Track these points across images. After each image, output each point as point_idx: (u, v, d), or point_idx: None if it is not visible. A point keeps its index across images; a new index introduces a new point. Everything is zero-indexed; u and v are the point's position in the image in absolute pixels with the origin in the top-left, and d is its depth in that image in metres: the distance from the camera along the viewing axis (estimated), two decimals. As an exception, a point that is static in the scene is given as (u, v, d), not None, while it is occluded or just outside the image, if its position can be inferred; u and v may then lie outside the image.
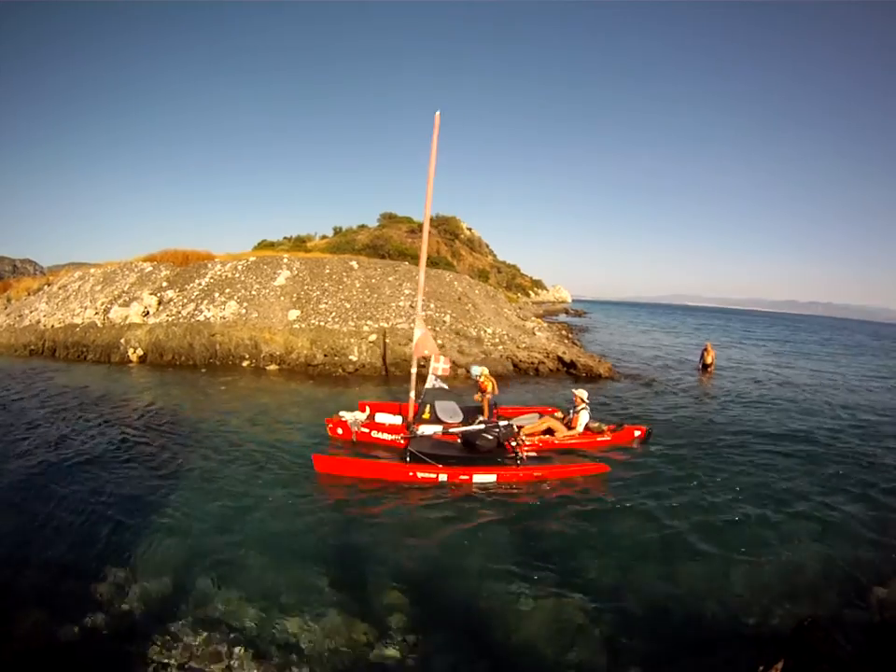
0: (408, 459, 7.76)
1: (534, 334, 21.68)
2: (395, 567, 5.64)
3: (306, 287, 21.14)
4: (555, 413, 10.05)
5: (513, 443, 8.04)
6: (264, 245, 37.31)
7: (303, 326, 19.40)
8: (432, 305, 20.49)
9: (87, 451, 9.63)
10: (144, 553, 5.93)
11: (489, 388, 9.98)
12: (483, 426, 8.29)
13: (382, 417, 9.74)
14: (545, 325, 24.98)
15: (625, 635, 4.59)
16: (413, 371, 9.20)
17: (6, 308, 29.84)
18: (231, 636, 4.52)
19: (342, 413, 9.64)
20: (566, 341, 23.27)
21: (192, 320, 20.25)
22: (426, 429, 8.72)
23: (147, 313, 21.52)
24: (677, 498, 7.43)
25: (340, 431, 9.43)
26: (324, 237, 41.53)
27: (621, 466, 8.52)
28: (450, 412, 9.70)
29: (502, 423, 8.28)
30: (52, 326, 24.67)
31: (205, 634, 4.54)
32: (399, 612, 4.82)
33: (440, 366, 9.51)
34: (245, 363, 18.83)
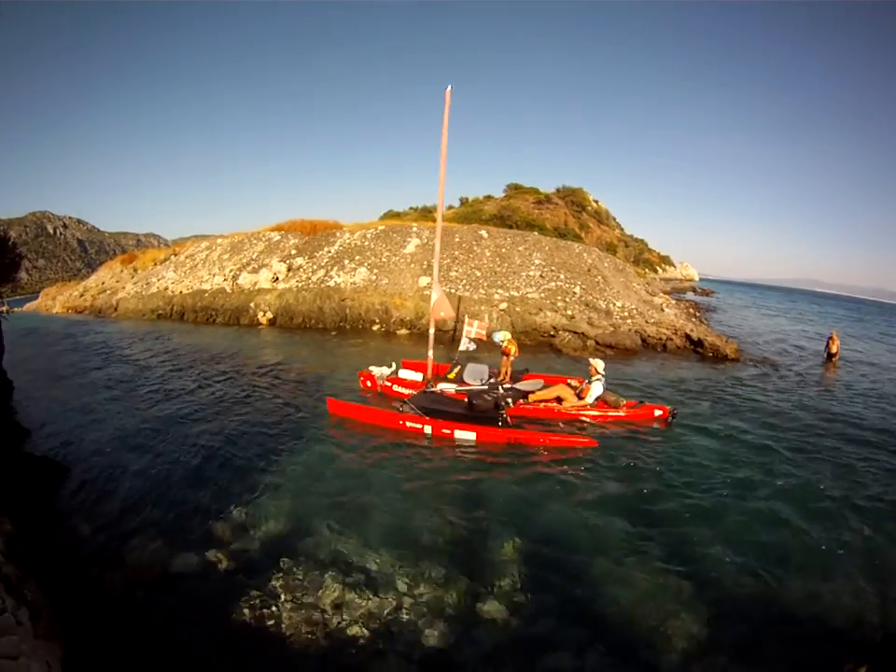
0: (401, 409, 8.29)
1: (662, 310, 21.35)
2: (508, 528, 5.61)
3: (436, 255, 21.75)
4: (570, 382, 9.60)
5: (501, 405, 8.00)
6: (391, 216, 38.43)
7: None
8: (562, 276, 20.56)
9: (218, 399, 10.38)
10: (265, 498, 6.21)
11: (512, 351, 9.95)
12: (486, 387, 8.60)
13: (405, 374, 10.22)
14: (673, 302, 24.64)
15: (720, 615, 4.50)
16: (431, 331, 9.61)
17: (132, 277, 32.33)
18: (345, 577, 4.70)
19: (371, 368, 10.43)
20: (693, 319, 22.78)
21: (322, 285, 21.16)
22: (444, 387, 9.18)
23: (277, 279, 22.70)
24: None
25: (368, 384, 10.32)
26: (451, 207, 41.82)
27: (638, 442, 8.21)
28: (477, 373, 9.94)
29: (506, 386, 8.63)
30: (181, 292, 26.44)
31: (317, 572, 4.75)
32: (508, 573, 4.84)
33: (473, 329, 10.12)
34: (375, 327, 19.39)
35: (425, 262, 21.23)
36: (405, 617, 4.28)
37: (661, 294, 25.33)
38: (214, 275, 25.33)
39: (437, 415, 8.05)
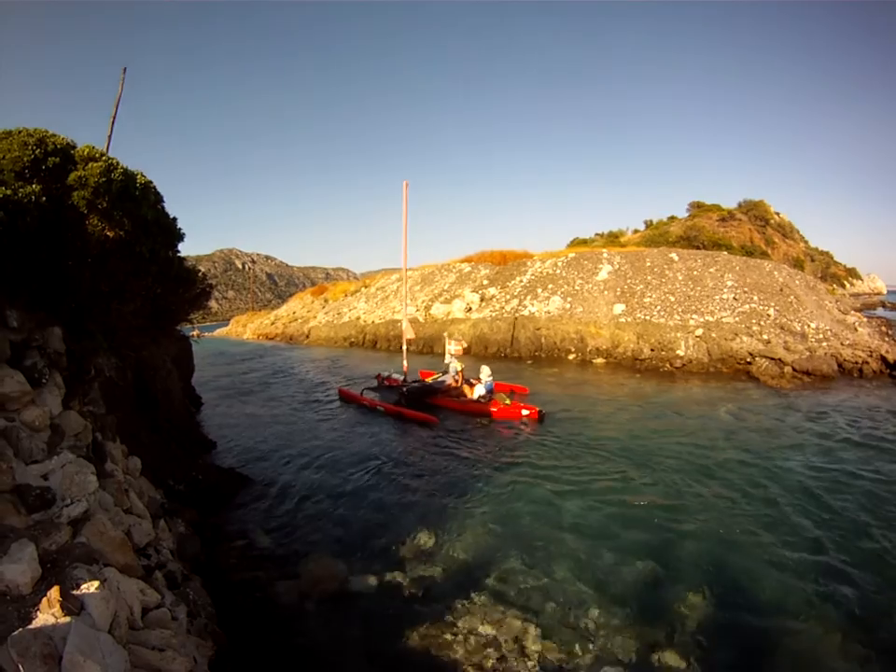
0: (376, 398, 13.13)
1: (856, 330, 20.02)
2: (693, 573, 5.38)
3: (629, 281, 22.43)
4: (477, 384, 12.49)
5: (404, 390, 12.71)
6: (578, 243, 40.74)
7: (629, 319, 20.52)
8: (755, 297, 20.09)
9: (406, 425, 11.29)
10: (451, 525, 6.31)
11: (460, 372, 13.17)
12: (417, 384, 13.36)
13: (397, 375, 14.43)
14: (865, 320, 22.94)
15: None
16: (404, 347, 14.37)
17: (323, 307, 37.62)
18: (527, 615, 4.66)
19: (382, 372, 15.45)
20: (886, 338, 21.03)
21: (517, 314, 23.01)
22: (413, 385, 13.26)
23: (470, 308, 25.14)
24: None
25: (385, 381, 14.75)
26: (636, 231, 43.55)
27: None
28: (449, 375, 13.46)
29: (416, 383, 13.47)
30: (373, 321, 30.25)
31: (502, 608, 4.74)
32: (693, 620, 4.65)
33: (451, 348, 13.82)
34: (570, 356, 20.53)
35: (618, 289, 22.12)
36: (581, 662, 4.23)
37: (853, 312, 23.49)
38: (406, 306, 28.66)
39: (387, 401, 12.59)
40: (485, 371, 12.48)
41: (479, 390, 12.27)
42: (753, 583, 5.15)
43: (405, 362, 14.21)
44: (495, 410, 11.66)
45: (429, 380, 14.07)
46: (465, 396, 12.61)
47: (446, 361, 13.82)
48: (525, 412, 11.29)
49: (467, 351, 23.26)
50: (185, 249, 6.15)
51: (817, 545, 5.84)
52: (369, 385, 14.65)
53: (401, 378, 14.06)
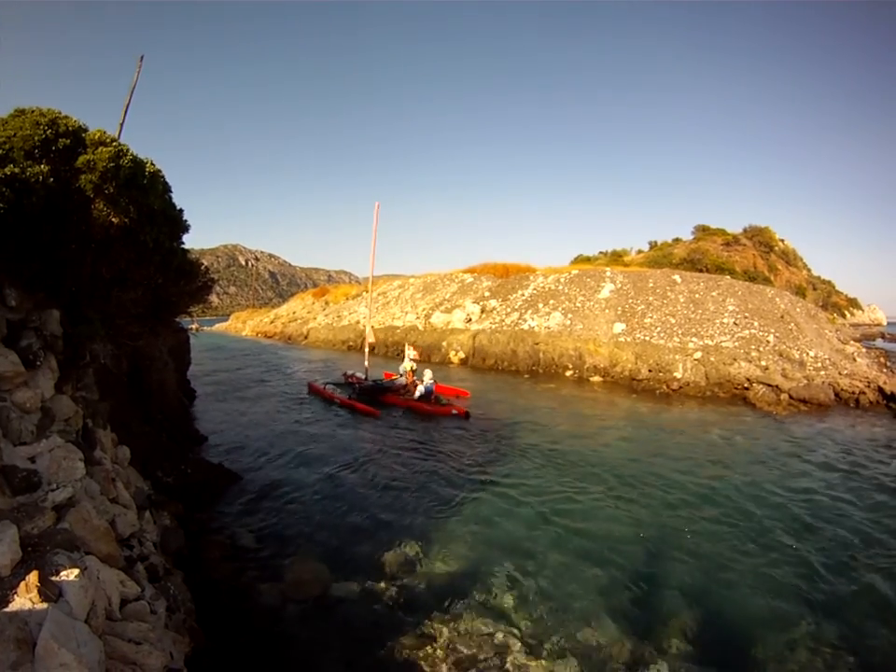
0: (336, 391, 14.87)
1: (854, 360, 20.14)
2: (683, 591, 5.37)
3: (630, 301, 22.54)
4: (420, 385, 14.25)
5: (356, 386, 14.74)
6: (581, 260, 41.15)
7: (629, 339, 20.57)
8: (756, 323, 20.18)
9: (400, 431, 11.40)
10: (439, 536, 6.25)
11: (411, 373, 14.99)
12: (370, 383, 15.06)
13: (360, 374, 16.01)
14: (863, 350, 23.18)
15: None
16: (367, 350, 16.38)
17: (324, 309, 37.73)
18: (511, 630, 4.61)
19: (348, 371, 16.92)
20: (884, 370, 21.22)
21: (516, 328, 23.06)
22: (367, 383, 15.01)
23: (470, 319, 25.17)
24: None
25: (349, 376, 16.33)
26: (640, 251, 43.99)
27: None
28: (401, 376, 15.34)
29: (371, 382, 15.15)
30: (372, 326, 30.49)
31: (481, 620, 4.69)
32: (677, 638, 4.64)
33: (410, 353, 15.79)
34: (568, 372, 20.55)
35: (619, 308, 22.20)
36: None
37: (852, 342, 23.74)
38: (406, 313, 28.69)
39: (349, 397, 14.14)
40: (427, 374, 14.24)
41: (420, 390, 14.04)
42: (734, 606, 5.18)
43: (366, 363, 16.13)
44: (429, 407, 13.43)
45: (388, 381, 15.61)
46: (411, 395, 14.33)
47: (403, 364, 15.42)
48: (454, 411, 13.00)
49: (464, 362, 23.44)
50: (189, 241, 6.15)
51: (796, 571, 5.84)
52: (336, 381, 16.14)
53: (363, 377, 15.74)
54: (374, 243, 16.40)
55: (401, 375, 15.36)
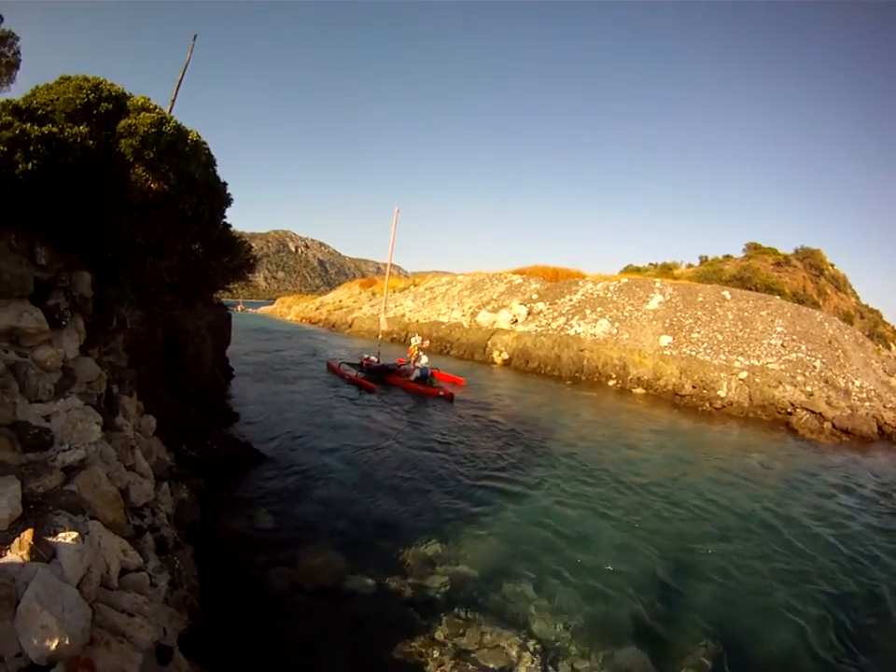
0: (349, 370, 16.69)
1: None
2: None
3: (678, 314, 21.87)
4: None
5: (363, 366, 16.72)
6: (631, 270, 40.50)
7: (674, 353, 19.93)
8: (803, 346, 19.32)
9: (433, 426, 11.16)
10: (461, 537, 6.09)
11: (414, 353, 16.46)
12: (377, 365, 16.61)
13: (374, 358, 17.15)
14: None
15: None
16: (379, 337, 19.02)
17: (370, 300, 38.16)
18: (527, 644, 4.43)
19: (364, 354, 18.09)
20: None
21: (562, 333, 22.59)
22: (375, 365, 16.65)
23: (516, 320, 24.83)
24: None
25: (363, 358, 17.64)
26: (690, 265, 43.07)
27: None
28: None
29: (378, 364, 16.62)
30: (417, 320, 30.42)
31: (497, 632, 4.51)
32: (694, 659, 4.49)
33: (415, 340, 17.19)
34: (611, 382, 20.00)
35: (667, 320, 21.49)
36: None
37: None
38: (452, 309, 28.59)
39: (368, 379, 15.65)
40: (423, 360, 16.00)
41: (416, 373, 15.70)
42: (755, 633, 5.01)
43: (379, 349, 18.04)
44: (421, 388, 15.10)
45: (394, 364, 17.35)
46: (409, 376, 15.86)
47: (415, 339, 17.51)
48: (441, 393, 14.58)
49: (507, 363, 23.18)
50: (240, 224, 6.26)
51: (828, 606, 5.62)
52: (350, 361, 17.88)
53: (375, 360, 17.33)
54: (392, 244, 18.59)
55: (409, 363, 16.96)
